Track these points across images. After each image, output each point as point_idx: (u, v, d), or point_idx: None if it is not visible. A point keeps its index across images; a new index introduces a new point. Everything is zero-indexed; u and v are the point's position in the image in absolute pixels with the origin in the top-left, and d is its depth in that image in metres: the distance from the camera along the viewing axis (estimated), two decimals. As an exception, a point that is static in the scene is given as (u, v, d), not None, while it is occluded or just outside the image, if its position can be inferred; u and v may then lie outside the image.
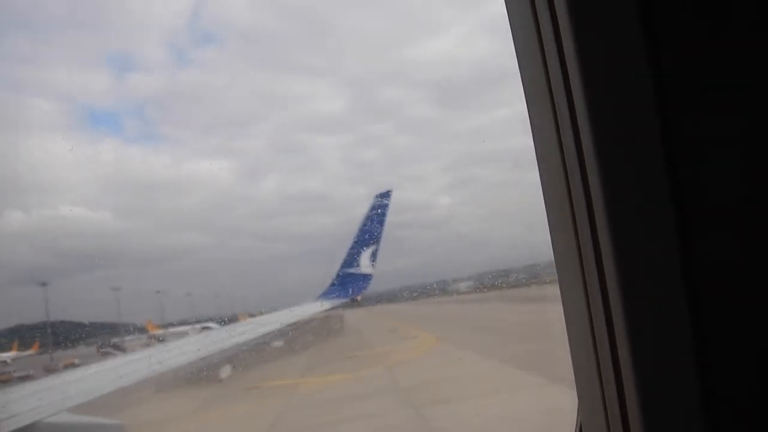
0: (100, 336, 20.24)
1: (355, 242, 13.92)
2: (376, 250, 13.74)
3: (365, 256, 14.00)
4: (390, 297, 23.74)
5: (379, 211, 13.31)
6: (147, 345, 19.60)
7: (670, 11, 1.16)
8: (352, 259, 14.16)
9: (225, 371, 18.76)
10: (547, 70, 1.28)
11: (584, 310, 1.26)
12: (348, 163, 35.34)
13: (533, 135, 1.40)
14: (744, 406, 1.12)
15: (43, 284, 18.76)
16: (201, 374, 19.75)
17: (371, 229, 13.54)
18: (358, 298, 15.55)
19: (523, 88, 1.41)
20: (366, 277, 14.30)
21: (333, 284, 14.86)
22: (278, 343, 22.72)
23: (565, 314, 1.37)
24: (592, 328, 1.24)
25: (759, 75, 1.15)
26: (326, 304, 15.80)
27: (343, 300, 15.35)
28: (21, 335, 19.54)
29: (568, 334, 1.36)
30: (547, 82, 1.29)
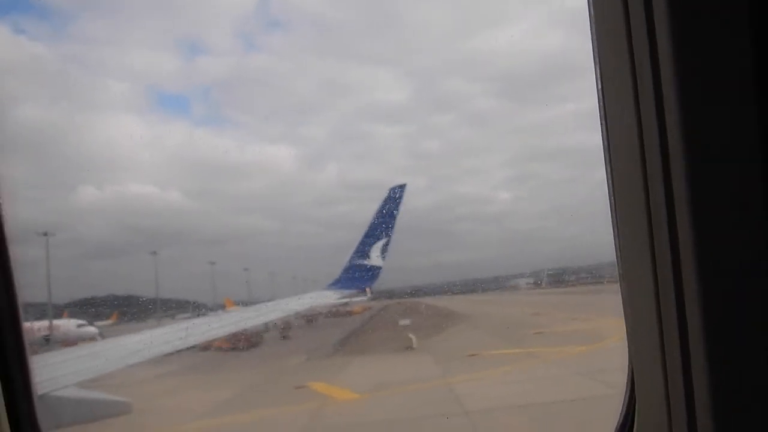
0: (190, 310, 19.02)
1: (367, 234, 13.88)
2: (387, 243, 13.77)
3: (376, 249, 13.96)
4: (464, 289, 23.31)
5: (393, 204, 13.28)
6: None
7: None
8: (364, 250, 14.15)
9: (411, 341, 16.66)
10: (633, 65, 1.23)
11: (653, 312, 1.25)
12: (409, 154, 34.50)
13: (607, 132, 1.34)
14: None
15: (154, 253, 19.08)
16: (380, 340, 17.37)
17: (384, 221, 13.58)
18: (368, 289, 15.64)
19: (598, 82, 1.35)
20: (376, 270, 14.17)
21: (343, 275, 14.49)
22: (406, 322, 20.77)
23: (625, 314, 1.36)
24: (661, 329, 1.24)
25: None
26: (344, 294, 15.60)
27: (354, 290, 15.40)
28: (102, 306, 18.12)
29: (628, 330, 1.36)
30: (633, 78, 1.23)
